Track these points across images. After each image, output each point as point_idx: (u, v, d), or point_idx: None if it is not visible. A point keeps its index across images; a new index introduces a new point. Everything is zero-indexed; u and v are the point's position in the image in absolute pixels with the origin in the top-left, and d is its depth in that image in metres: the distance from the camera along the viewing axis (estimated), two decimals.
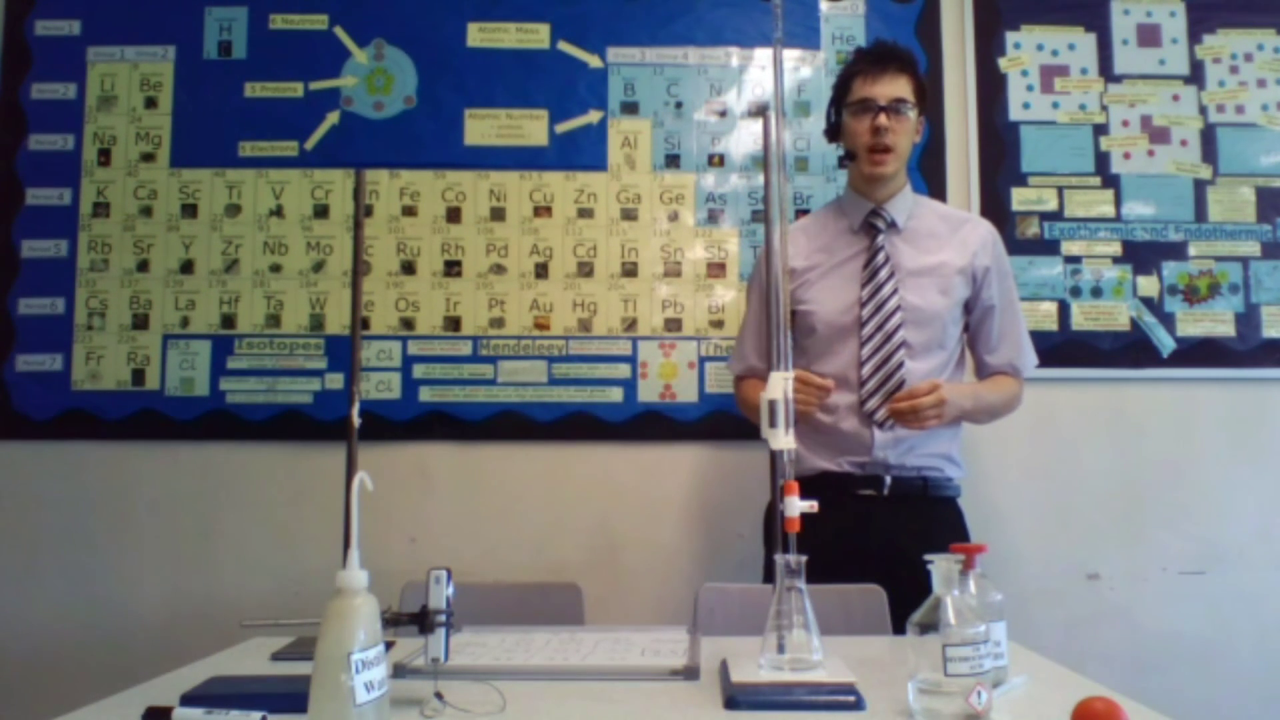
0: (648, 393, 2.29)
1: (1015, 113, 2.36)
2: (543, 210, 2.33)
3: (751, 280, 2.00)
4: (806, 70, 2.37)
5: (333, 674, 0.85)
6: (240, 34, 2.35)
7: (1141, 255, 2.33)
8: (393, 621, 1.01)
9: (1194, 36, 2.38)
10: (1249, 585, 2.25)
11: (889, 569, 1.59)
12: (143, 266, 2.31)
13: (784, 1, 2.11)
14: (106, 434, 2.26)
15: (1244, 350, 2.31)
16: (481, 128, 2.34)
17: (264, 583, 2.23)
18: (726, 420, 2.25)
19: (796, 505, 1.13)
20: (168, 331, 2.29)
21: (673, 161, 2.34)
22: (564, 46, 2.36)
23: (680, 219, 2.33)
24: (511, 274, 2.32)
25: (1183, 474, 2.29)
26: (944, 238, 1.81)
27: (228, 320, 2.30)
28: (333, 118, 2.33)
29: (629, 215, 2.33)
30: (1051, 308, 2.32)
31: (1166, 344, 2.31)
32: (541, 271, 2.32)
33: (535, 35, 2.36)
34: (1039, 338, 2.12)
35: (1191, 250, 2.33)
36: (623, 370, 2.29)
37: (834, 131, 1.84)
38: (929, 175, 2.32)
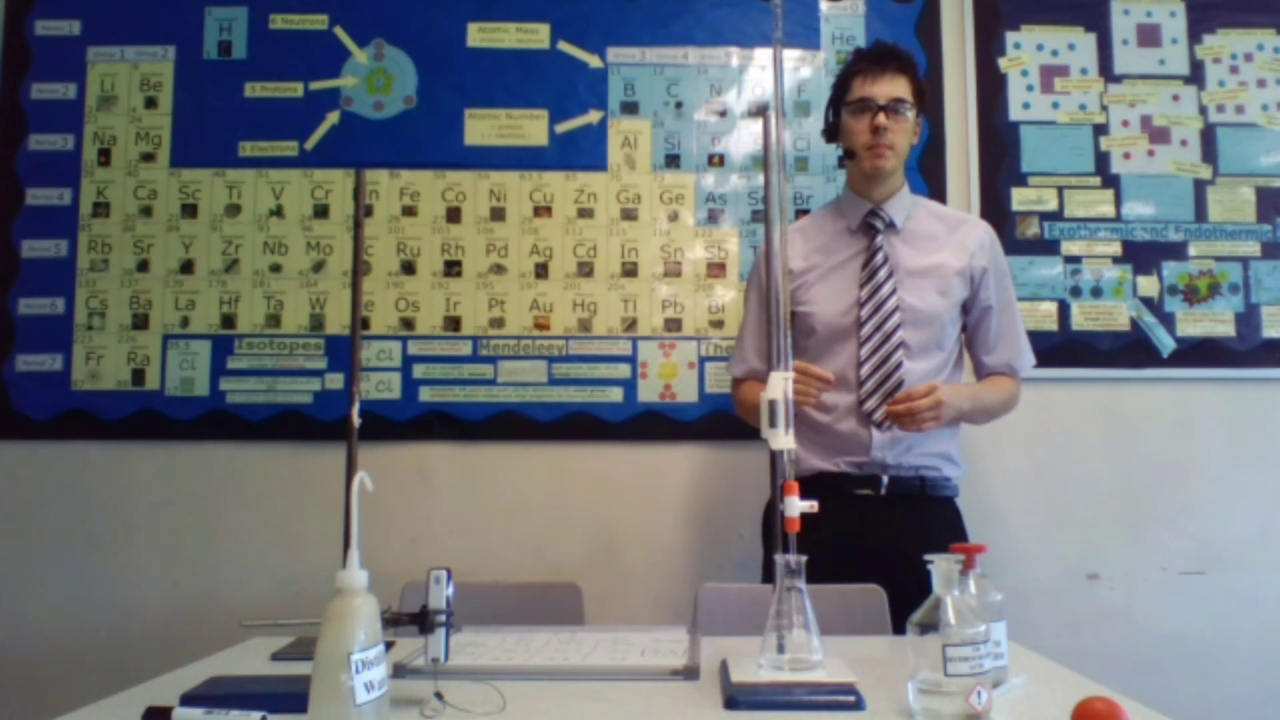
0: (648, 393, 2.29)
1: (1015, 113, 2.36)
2: (543, 210, 2.33)
3: (749, 282, 1.99)
4: (806, 70, 2.37)
5: (333, 674, 0.85)
6: (240, 34, 2.35)
7: (1141, 255, 2.33)
8: (393, 621, 1.01)
9: (1194, 36, 2.38)
10: (1248, 585, 2.25)
11: (887, 569, 1.59)
12: (143, 266, 2.31)
13: (784, 1, 2.11)
14: (106, 434, 2.26)
15: (1244, 350, 2.31)
16: (481, 128, 2.34)
17: (264, 583, 2.23)
18: (726, 420, 2.24)
19: (796, 505, 1.13)
20: (168, 331, 2.29)
21: (673, 161, 2.34)
22: (564, 46, 2.36)
23: (680, 219, 2.33)
24: (511, 274, 2.32)
25: (1182, 474, 2.29)
26: (942, 238, 1.81)
27: (228, 320, 2.30)
28: (333, 118, 2.33)
29: (629, 215, 2.33)
30: (1051, 308, 2.32)
31: (1166, 344, 2.31)
32: (541, 271, 2.32)
33: (535, 35, 2.36)
34: (1039, 338, 2.12)
35: (1191, 250, 2.33)
36: (623, 370, 2.29)
37: (832, 131, 1.83)
38: (929, 175, 2.32)
